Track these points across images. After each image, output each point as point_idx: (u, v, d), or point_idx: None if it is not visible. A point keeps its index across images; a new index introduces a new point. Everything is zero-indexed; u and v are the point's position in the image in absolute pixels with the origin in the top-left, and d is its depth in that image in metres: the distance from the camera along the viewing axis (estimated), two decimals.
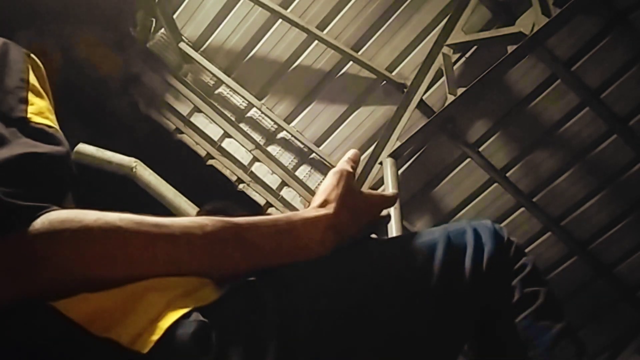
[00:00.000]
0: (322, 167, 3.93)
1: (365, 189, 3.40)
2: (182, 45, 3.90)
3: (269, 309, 0.68)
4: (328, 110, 3.89)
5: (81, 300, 0.62)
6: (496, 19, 3.51)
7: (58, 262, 0.62)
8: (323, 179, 0.85)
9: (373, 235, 0.88)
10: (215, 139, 3.92)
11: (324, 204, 0.81)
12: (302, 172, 3.96)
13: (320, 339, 0.68)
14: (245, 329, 0.65)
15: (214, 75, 3.95)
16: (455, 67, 3.46)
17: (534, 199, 3.80)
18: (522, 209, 3.83)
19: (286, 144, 3.98)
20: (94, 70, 0.81)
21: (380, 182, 3.49)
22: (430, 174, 3.84)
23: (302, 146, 3.96)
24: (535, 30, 3.00)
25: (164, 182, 3.45)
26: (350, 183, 0.83)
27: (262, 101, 3.96)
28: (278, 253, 0.75)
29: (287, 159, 3.96)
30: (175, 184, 3.50)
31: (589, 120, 3.58)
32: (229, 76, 3.95)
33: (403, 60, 3.74)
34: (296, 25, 3.72)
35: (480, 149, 3.73)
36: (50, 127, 0.71)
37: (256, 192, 3.88)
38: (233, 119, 3.96)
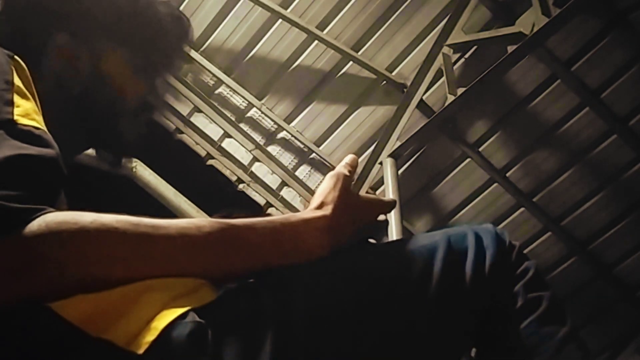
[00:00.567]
0: (322, 167, 3.93)
1: (365, 188, 3.42)
2: None
3: (266, 311, 0.68)
4: (328, 110, 3.89)
5: (77, 301, 0.62)
6: (496, 19, 3.51)
7: (55, 264, 0.62)
8: (323, 179, 0.85)
9: (371, 240, 0.88)
10: (215, 139, 3.92)
11: (321, 206, 0.81)
12: (302, 172, 3.96)
13: (317, 341, 0.68)
14: (242, 330, 0.65)
15: (214, 75, 3.95)
16: (455, 67, 3.46)
17: (534, 199, 3.80)
18: (522, 209, 3.82)
19: (286, 144, 3.98)
20: (112, 88, 0.81)
21: (380, 182, 3.49)
22: (430, 174, 3.84)
23: (302, 146, 3.96)
24: (535, 30, 3.00)
25: (164, 182, 3.46)
26: (347, 186, 0.83)
27: (262, 101, 3.96)
28: (275, 254, 0.75)
29: (287, 159, 3.96)
30: (175, 184, 3.50)
31: (589, 120, 3.58)
32: (229, 76, 3.95)
33: (403, 60, 3.74)
34: (296, 25, 3.72)
35: (480, 149, 3.73)
36: (37, 128, 0.71)
37: (256, 192, 3.88)
38: (233, 119, 3.96)
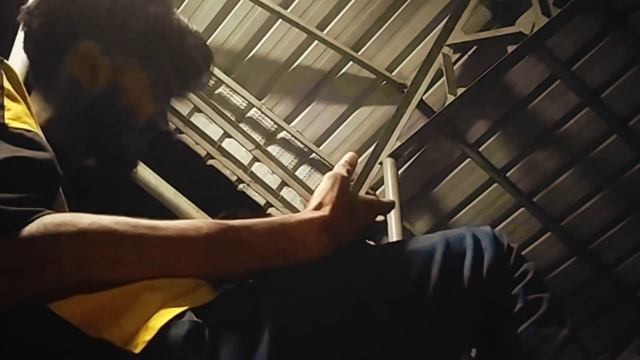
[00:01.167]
0: (322, 167, 3.93)
1: (365, 188, 3.42)
2: None
3: (264, 311, 0.68)
4: (328, 110, 3.89)
5: (76, 302, 0.62)
6: (496, 19, 3.51)
7: (53, 266, 0.63)
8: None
9: (369, 241, 0.88)
10: (215, 139, 3.92)
11: (318, 207, 0.81)
12: (302, 172, 3.96)
13: (314, 342, 0.68)
14: (239, 331, 0.65)
15: (214, 75, 3.95)
16: (455, 67, 3.46)
17: (534, 199, 3.80)
18: (522, 209, 3.82)
19: (286, 144, 3.98)
20: (125, 103, 0.80)
21: (380, 182, 3.49)
22: (430, 174, 3.84)
23: (302, 146, 3.97)
24: (535, 30, 3.00)
25: (164, 182, 3.46)
26: (345, 186, 0.83)
27: (262, 101, 3.97)
28: (273, 255, 0.75)
29: (287, 159, 3.96)
30: (175, 184, 3.51)
31: (589, 120, 3.58)
32: (229, 76, 3.95)
33: (403, 60, 3.74)
34: (296, 25, 3.72)
35: (480, 149, 3.73)
36: (28, 131, 0.71)
37: (256, 192, 3.88)
38: (233, 119, 3.97)
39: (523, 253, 0.90)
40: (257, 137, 3.97)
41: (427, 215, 3.94)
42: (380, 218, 0.87)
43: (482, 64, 3.29)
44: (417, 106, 3.44)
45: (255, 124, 3.98)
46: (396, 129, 3.40)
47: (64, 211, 0.71)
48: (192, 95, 3.91)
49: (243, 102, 3.97)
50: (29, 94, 0.98)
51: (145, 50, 1.01)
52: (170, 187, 3.47)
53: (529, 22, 3.09)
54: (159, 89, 1.03)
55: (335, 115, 3.88)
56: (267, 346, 0.64)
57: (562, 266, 3.92)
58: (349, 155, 0.90)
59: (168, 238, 0.69)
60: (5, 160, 0.65)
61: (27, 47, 1.02)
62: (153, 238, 0.68)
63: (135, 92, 1.00)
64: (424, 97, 3.46)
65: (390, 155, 3.35)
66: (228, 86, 3.96)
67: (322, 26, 3.73)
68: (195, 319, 0.64)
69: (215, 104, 3.96)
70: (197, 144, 3.92)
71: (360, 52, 3.74)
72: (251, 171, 3.92)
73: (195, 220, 0.75)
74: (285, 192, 3.92)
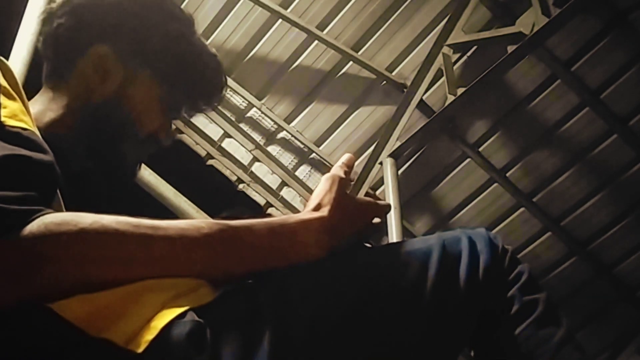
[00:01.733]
0: (322, 167, 3.93)
1: (365, 189, 3.42)
2: None
3: (264, 311, 0.68)
4: (328, 110, 3.89)
5: (77, 301, 0.62)
6: (496, 19, 3.51)
7: (55, 265, 0.63)
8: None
9: (367, 243, 0.88)
10: (215, 139, 3.92)
11: (317, 208, 0.81)
12: (302, 172, 3.96)
13: (314, 342, 0.68)
14: (240, 330, 0.65)
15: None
16: (455, 67, 3.46)
17: (534, 199, 3.80)
18: (522, 209, 3.82)
19: (286, 144, 3.98)
20: (130, 113, 0.79)
21: (380, 182, 3.49)
22: (430, 174, 3.84)
23: (302, 146, 3.97)
24: (535, 30, 3.00)
25: (164, 182, 3.46)
26: (343, 188, 0.84)
27: (262, 101, 3.97)
28: (273, 255, 0.76)
29: (287, 159, 3.97)
30: (175, 184, 3.51)
31: (589, 120, 3.58)
32: (229, 76, 3.94)
33: (403, 60, 3.74)
34: (296, 25, 3.72)
35: (480, 149, 3.73)
36: (25, 129, 0.71)
37: (256, 192, 3.88)
38: (233, 119, 3.97)
39: (523, 253, 0.90)
40: (257, 137, 3.97)
41: (427, 215, 3.94)
42: (377, 220, 0.88)
43: (482, 64, 3.30)
44: (417, 106, 3.44)
45: (255, 124, 3.99)
46: (396, 129, 3.40)
47: (63, 211, 0.71)
48: None
49: (243, 102, 3.98)
50: (36, 94, 0.99)
51: (160, 65, 1.01)
52: (170, 187, 3.47)
53: (529, 22, 3.09)
54: (168, 104, 1.03)
55: (335, 115, 3.89)
56: (267, 346, 0.64)
57: (562, 266, 3.92)
58: (346, 156, 0.91)
59: (169, 238, 0.69)
60: (3, 158, 0.65)
61: (44, 47, 1.02)
62: (154, 238, 0.68)
63: (143, 104, 0.99)
64: (424, 97, 3.47)
65: (390, 155, 3.35)
66: (228, 86, 3.95)
67: (322, 26, 3.73)
68: (197, 318, 0.64)
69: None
70: (197, 144, 3.92)
71: (360, 52, 3.74)
72: (251, 171, 3.92)
73: (196, 220, 0.75)
74: (285, 192, 3.93)
